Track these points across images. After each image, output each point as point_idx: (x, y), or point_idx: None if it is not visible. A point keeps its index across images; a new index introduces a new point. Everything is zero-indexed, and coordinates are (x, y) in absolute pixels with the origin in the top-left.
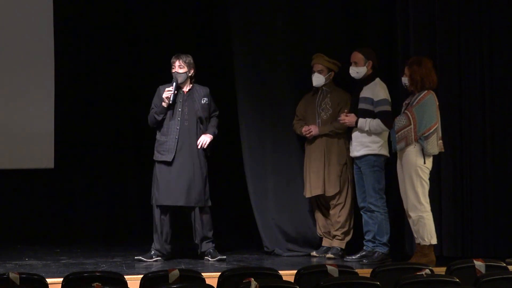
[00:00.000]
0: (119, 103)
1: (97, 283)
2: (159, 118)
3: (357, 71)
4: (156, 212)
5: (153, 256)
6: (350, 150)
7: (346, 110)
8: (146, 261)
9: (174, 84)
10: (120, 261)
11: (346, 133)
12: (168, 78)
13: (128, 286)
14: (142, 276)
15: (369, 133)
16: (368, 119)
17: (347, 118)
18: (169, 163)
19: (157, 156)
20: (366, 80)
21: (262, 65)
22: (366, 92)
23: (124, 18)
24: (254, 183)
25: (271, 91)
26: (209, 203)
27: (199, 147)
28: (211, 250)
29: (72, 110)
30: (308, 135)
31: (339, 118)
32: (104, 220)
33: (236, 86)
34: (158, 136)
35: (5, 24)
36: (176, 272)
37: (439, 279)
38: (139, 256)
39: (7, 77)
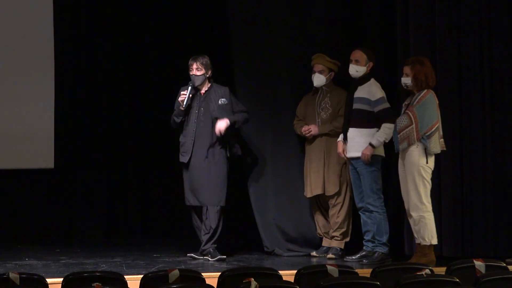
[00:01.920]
0: (119, 103)
1: (97, 283)
2: (178, 120)
3: (357, 69)
4: (192, 211)
5: None
6: (346, 151)
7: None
8: (198, 258)
9: (190, 87)
10: (120, 261)
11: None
12: (167, 77)
13: (128, 286)
14: (142, 276)
15: (385, 139)
16: (376, 134)
17: (365, 153)
18: (187, 165)
19: (180, 158)
20: (362, 80)
21: (262, 65)
22: (361, 92)
23: (124, 18)
24: (254, 183)
25: (271, 91)
26: (222, 203)
27: (217, 134)
28: (211, 250)
29: (72, 110)
30: (307, 135)
31: (362, 157)
32: (104, 220)
33: (236, 86)
34: (180, 137)
35: (5, 24)
36: (176, 272)
37: (439, 279)
38: (191, 253)
39: (7, 78)
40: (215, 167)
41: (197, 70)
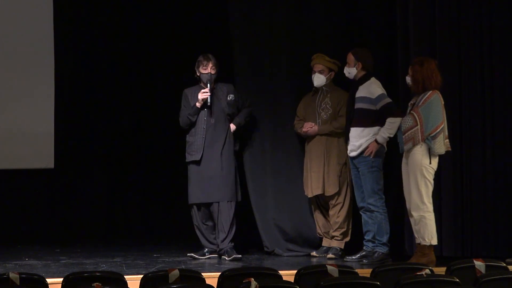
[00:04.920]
0: (119, 103)
1: (97, 283)
2: (194, 119)
3: (348, 71)
4: (193, 211)
5: (206, 254)
6: (348, 150)
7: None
8: (198, 258)
9: (209, 85)
10: (120, 261)
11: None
12: (167, 76)
13: (128, 286)
14: (142, 276)
15: (389, 134)
16: (380, 130)
17: (370, 147)
18: (198, 162)
19: (188, 157)
20: (361, 80)
21: (262, 65)
22: (362, 92)
23: (124, 18)
24: (254, 183)
25: (271, 91)
26: (238, 198)
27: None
28: (228, 249)
29: (72, 110)
30: (310, 132)
31: (365, 154)
32: (104, 220)
33: (236, 86)
34: (187, 137)
35: (5, 24)
36: (176, 272)
37: (439, 279)
38: (191, 253)
39: (7, 78)
40: (227, 163)
41: (212, 69)
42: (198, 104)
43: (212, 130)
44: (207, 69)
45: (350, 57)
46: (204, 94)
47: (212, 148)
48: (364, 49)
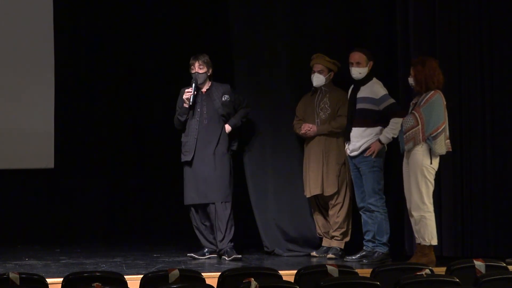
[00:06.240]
0: (119, 103)
1: (97, 283)
2: (183, 119)
3: (359, 71)
4: (191, 212)
5: (206, 254)
6: (348, 150)
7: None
8: (198, 258)
9: (194, 84)
10: (120, 261)
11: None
12: (167, 77)
13: (128, 286)
14: (142, 276)
15: (393, 135)
16: (384, 130)
17: (372, 147)
18: (190, 163)
19: (182, 157)
20: (364, 80)
21: (262, 65)
22: (364, 92)
23: (124, 18)
24: (254, 183)
25: (271, 91)
26: (230, 199)
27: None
28: (228, 249)
29: (72, 110)
30: (308, 132)
31: (367, 153)
32: (104, 220)
33: (236, 86)
34: (182, 137)
35: (5, 24)
36: (176, 272)
37: (439, 279)
38: (191, 253)
39: (7, 77)
40: (221, 163)
41: (199, 68)
42: (185, 105)
43: (205, 131)
44: (194, 69)
45: (362, 57)
46: (187, 93)
47: (205, 149)
48: (365, 48)
